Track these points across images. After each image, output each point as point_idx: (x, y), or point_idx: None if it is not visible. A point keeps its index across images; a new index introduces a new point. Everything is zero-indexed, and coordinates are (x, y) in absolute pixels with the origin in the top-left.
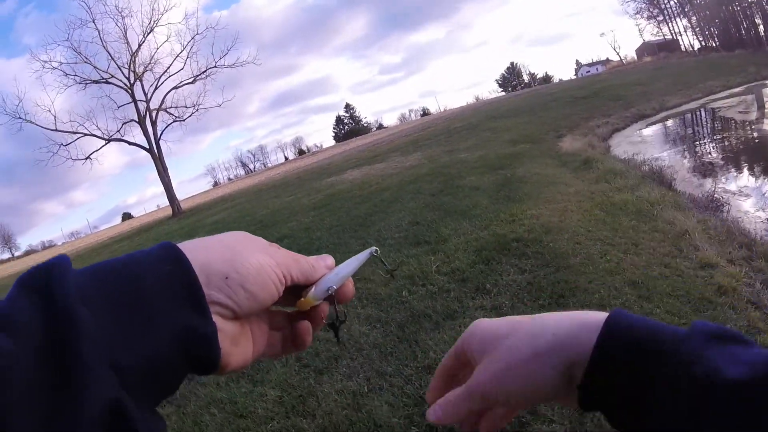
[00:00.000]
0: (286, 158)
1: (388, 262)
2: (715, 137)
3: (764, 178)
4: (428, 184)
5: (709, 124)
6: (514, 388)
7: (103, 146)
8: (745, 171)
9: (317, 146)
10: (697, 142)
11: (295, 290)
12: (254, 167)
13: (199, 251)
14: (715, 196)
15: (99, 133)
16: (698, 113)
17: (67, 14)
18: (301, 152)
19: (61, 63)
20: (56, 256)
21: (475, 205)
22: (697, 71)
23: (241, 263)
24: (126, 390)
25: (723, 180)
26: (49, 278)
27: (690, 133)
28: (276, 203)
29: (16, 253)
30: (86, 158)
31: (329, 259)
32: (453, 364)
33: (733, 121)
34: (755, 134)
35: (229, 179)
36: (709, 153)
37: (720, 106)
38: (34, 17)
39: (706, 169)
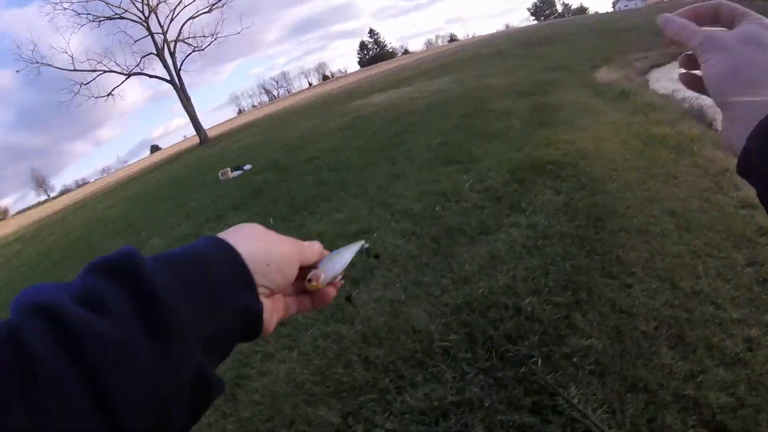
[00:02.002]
0: (310, 84)
1: (371, 255)
2: None
3: None
4: (457, 108)
5: None
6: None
7: (123, 82)
8: None
9: (341, 72)
10: None
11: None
12: (278, 93)
13: (241, 243)
14: None
15: (118, 69)
16: None
17: None
18: (324, 78)
19: (72, 2)
20: (124, 247)
21: (507, 128)
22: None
23: (275, 253)
24: (206, 356)
25: None
26: (130, 265)
27: None
28: (302, 127)
29: (52, 194)
30: (108, 95)
31: (317, 244)
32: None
33: None
34: None
35: (254, 106)
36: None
37: None
38: None
39: None
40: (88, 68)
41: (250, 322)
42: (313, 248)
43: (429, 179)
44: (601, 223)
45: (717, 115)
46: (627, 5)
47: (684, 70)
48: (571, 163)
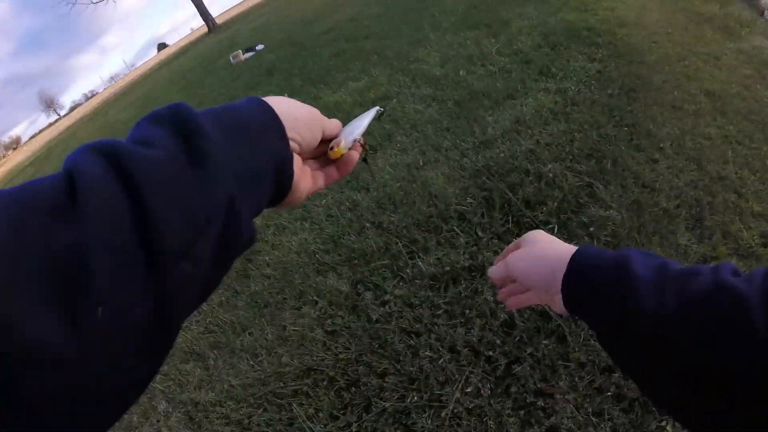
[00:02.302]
0: None
1: (384, 111)
2: None
3: None
4: None
5: None
6: (527, 272)
7: None
8: None
9: None
10: None
11: (317, 149)
12: None
13: (273, 101)
14: None
15: None
16: None
17: None
18: None
19: None
20: (176, 102)
21: None
22: None
23: (300, 110)
24: (240, 191)
25: None
26: (177, 111)
27: None
28: (318, 0)
29: (62, 113)
30: None
31: (336, 120)
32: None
33: None
34: None
35: None
36: None
37: None
38: None
39: None
40: None
41: (282, 169)
42: (333, 122)
43: (454, 44)
44: (634, 94)
45: None
46: None
47: (514, 300)
48: (609, 31)
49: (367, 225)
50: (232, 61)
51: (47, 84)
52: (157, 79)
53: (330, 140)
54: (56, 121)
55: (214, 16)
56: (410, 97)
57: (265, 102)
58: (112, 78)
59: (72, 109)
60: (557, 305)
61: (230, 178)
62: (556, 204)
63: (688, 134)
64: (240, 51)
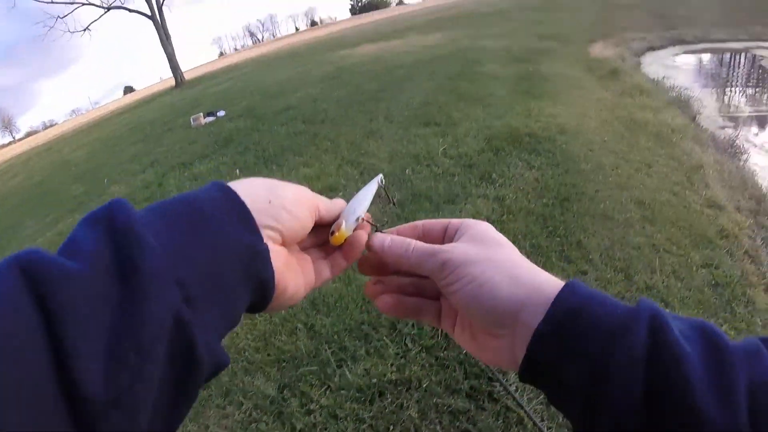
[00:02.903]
0: (297, 29)
1: (391, 194)
2: (749, 85)
3: None
4: (445, 67)
5: (747, 71)
6: (481, 286)
7: (102, 15)
8: None
9: (331, 18)
10: (731, 85)
11: (318, 234)
12: (263, 37)
13: (241, 185)
14: (737, 142)
15: (98, 2)
16: (739, 56)
17: None
18: (313, 23)
19: None
20: (114, 199)
21: (491, 93)
22: (753, 10)
23: (280, 189)
24: (189, 305)
25: (746, 129)
26: (111, 211)
27: (726, 73)
28: (283, 74)
29: (17, 136)
30: (84, 29)
31: (342, 201)
32: (435, 230)
33: None
34: None
35: (236, 49)
36: (740, 100)
37: (764, 56)
38: None
39: (732, 114)
40: (66, 0)
41: (255, 268)
42: (336, 203)
43: (404, 139)
44: (568, 203)
45: (702, 109)
46: None
47: (390, 298)
48: (550, 138)
49: (299, 326)
50: (192, 123)
51: (8, 102)
52: (117, 124)
53: (331, 224)
54: (9, 143)
55: (184, 70)
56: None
57: (227, 187)
58: (74, 111)
59: (28, 134)
60: (497, 353)
61: (174, 292)
62: None
63: (618, 244)
64: (201, 114)
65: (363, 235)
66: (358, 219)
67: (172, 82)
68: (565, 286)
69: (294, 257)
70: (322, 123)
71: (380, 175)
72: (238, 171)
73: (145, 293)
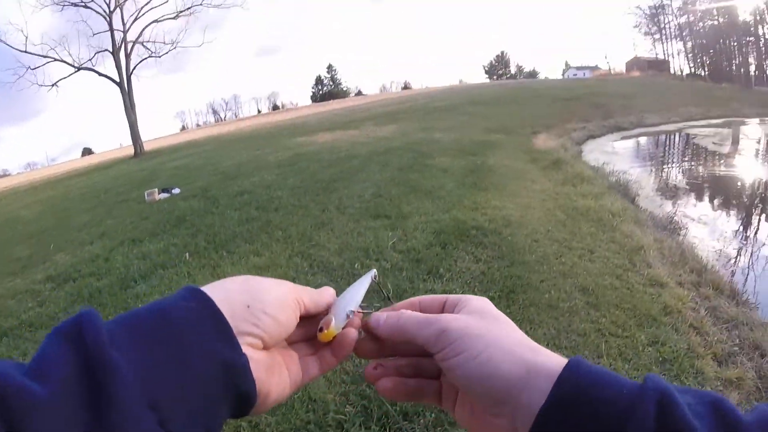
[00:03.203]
0: (259, 111)
1: (386, 289)
2: (684, 163)
3: (723, 211)
4: (397, 158)
5: (681, 149)
6: (484, 363)
7: (71, 74)
8: (707, 201)
9: (293, 104)
10: (667, 164)
11: (306, 327)
12: (225, 116)
13: (216, 289)
14: (675, 218)
15: (70, 60)
16: (673, 136)
17: None
18: (275, 107)
19: None
20: (84, 309)
21: (440, 186)
22: (680, 95)
23: (258, 291)
24: (165, 427)
25: (685, 205)
26: (80, 327)
27: (662, 153)
28: (242, 156)
29: None
30: (53, 85)
31: (330, 290)
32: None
33: (705, 151)
34: (724, 167)
35: (198, 125)
36: (676, 176)
37: (696, 134)
38: None
39: (670, 191)
40: (40, 53)
41: (233, 379)
42: (323, 293)
43: (355, 232)
44: (513, 295)
45: (640, 191)
46: (576, 74)
47: (389, 382)
48: (495, 231)
49: (244, 425)
50: (146, 197)
51: None
52: (71, 187)
53: (319, 316)
54: None
55: (145, 140)
56: (305, 285)
57: (202, 294)
58: (29, 165)
59: None
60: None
61: (148, 417)
62: (433, 416)
63: (564, 332)
64: (156, 189)
65: (353, 333)
66: (348, 316)
67: (131, 151)
68: (567, 365)
69: (279, 356)
70: (275, 211)
71: (374, 270)
72: (187, 255)
73: (118, 425)
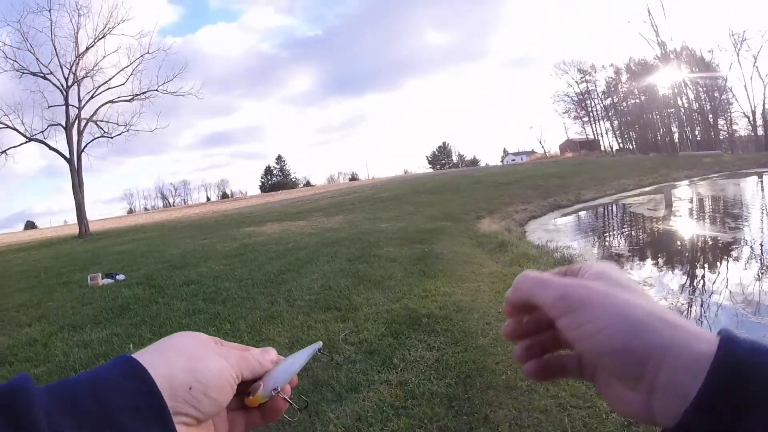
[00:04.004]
0: (209, 199)
1: (327, 357)
2: (624, 230)
3: (666, 270)
4: (346, 249)
5: (619, 218)
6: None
7: (22, 144)
8: (650, 262)
9: (242, 192)
10: (607, 234)
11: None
12: (174, 201)
13: (159, 363)
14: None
15: (22, 129)
16: (610, 207)
17: None
18: (224, 196)
19: (5, 44)
20: (18, 376)
21: (389, 276)
22: (613, 169)
23: (202, 372)
24: None
25: (629, 269)
26: (14, 402)
27: (601, 225)
28: (189, 244)
29: None
30: (2, 152)
31: (273, 353)
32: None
33: (641, 217)
34: (661, 230)
35: (146, 209)
36: (618, 244)
37: (631, 203)
38: None
39: (614, 259)
40: None
41: None
42: (264, 357)
43: (305, 325)
44: (470, 380)
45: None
46: (514, 159)
47: (532, 364)
48: (447, 317)
49: None
50: (89, 281)
51: None
52: (10, 262)
53: (256, 380)
54: None
55: (90, 219)
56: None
57: (140, 370)
58: None
59: None
60: (632, 407)
61: None
62: None
63: (525, 411)
64: (100, 274)
65: (282, 405)
66: (277, 389)
67: (77, 230)
68: (721, 343)
69: (209, 424)
70: (223, 303)
71: (320, 343)
72: (131, 345)
73: None
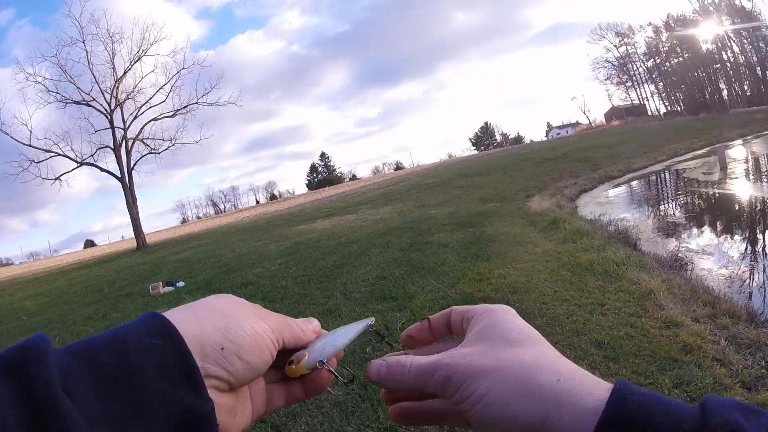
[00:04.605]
0: (258, 201)
1: (386, 335)
2: (678, 198)
3: (725, 237)
4: (397, 239)
5: (673, 185)
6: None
7: (74, 169)
8: (708, 230)
9: (289, 192)
10: (662, 203)
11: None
12: (224, 207)
13: (189, 321)
14: (679, 255)
15: (72, 155)
16: (663, 175)
17: (59, 31)
18: (272, 197)
19: (45, 78)
20: (35, 335)
21: (443, 262)
22: (662, 134)
23: (236, 331)
24: None
25: (686, 239)
26: (27, 362)
27: (655, 194)
28: (243, 247)
29: None
30: (56, 179)
31: (315, 323)
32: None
33: (696, 182)
34: (717, 194)
35: (198, 217)
36: (673, 213)
37: (684, 168)
38: (27, 32)
39: (670, 229)
40: (44, 147)
41: (195, 428)
42: (306, 326)
43: (363, 316)
44: None
45: (640, 235)
46: (559, 133)
47: (398, 408)
48: (503, 299)
49: None
50: (150, 290)
51: None
52: (74, 279)
53: (297, 350)
54: None
55: (146, 232)
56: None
57: (169, 328)
58: (32, 254)
59: None
60: None
61: None
62: None
63: None
64: (161, 283)
65: (326, 380)
66: (323, 361)
67: (134, 244)
68: (611, 399)
69: (245, 393)
70: (281, 300)
71: (372, 319)
72: None
73: None
